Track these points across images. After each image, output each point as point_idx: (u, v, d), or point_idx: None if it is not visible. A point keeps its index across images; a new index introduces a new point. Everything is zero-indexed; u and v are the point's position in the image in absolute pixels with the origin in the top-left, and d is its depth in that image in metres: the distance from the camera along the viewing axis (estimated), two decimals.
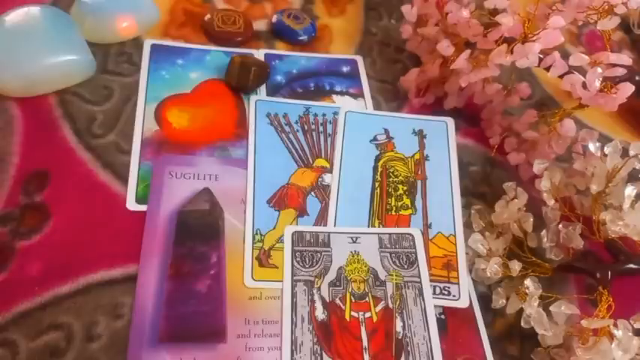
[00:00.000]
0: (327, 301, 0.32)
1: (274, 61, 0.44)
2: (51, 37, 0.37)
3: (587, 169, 0.34)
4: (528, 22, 0.34)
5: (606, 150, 0.34)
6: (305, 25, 0.47)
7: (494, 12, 0.36)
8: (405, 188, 0.38)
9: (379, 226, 0.36)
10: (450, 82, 0.42)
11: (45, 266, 0.31)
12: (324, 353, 0.30)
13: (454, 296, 0.34)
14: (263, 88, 0.42)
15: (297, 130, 0.40)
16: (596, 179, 0.34)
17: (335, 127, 0.41)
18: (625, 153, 0.34)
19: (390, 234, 0.36)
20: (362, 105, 0.43)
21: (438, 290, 0.34)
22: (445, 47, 0.39)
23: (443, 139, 0.42)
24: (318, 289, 0.33)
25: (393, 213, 0.37)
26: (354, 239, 0.35)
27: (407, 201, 0.38)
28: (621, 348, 0.29)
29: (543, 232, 0.36)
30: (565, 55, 0.35)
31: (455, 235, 0.37)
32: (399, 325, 0.32)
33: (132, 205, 0.34)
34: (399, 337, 0.32)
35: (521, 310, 0.33)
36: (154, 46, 0.42)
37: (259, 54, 0.44)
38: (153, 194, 0.34)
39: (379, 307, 0.33)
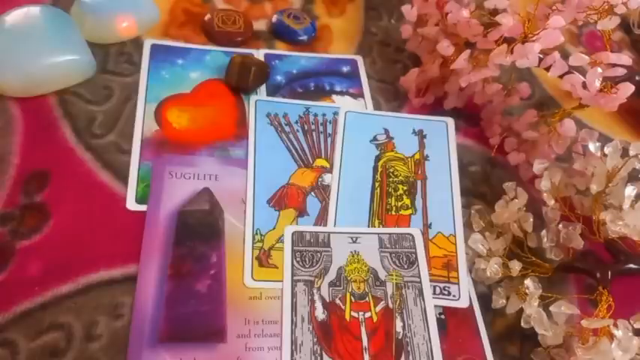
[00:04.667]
0: (327, 301, 0.32)
1: (274, 61, 0.44)
2: (51, 37, 0.37)
3: (587, 169, 0.34)
4: (528, 22, 0.34)
5: (606, 150, 0.34)
6: (305, 25, 0.47)
7: (495, 12, 0.36)
8: (405, 188, 0.38)
9: (379, 226, 0.36)
10: (450, 82, 0.42)
11: (45, 266, 0.31)
12: (324, 353, 0.30)
13: (454, 296, 0.34)
14: (263, 88, 0.42)
15: (297, 130, 0.40)
16: (596, 179, 0.34)
17: (335, 127, 0.41)
18: (625, 153, 0.34)
19: (390, 234, 0.36)
20: (362, 105, 0.43)
21: (438, 290, 0.34)
22: (445, 47, 0.39)
23: (443, 139, 0.42)
24: (318, 289, 0.33)
25: (393, 213, 0.37)
26: (354, 239, 0.35)
27: (407, 201, 0.38)
28: (621, 348, 0.29)
29: (543, 232, 0.36)
30: (565, 55, 0.35)
31: (455, 235, 0.37)
32: (399, 325, 0.32)
33: (132, 205, 0.34)
34: (399, 337, 0.32)
35: (521, 310, 0.33)
36: (154, 46, 0.42)
37: (259, 54, 0.44)
38: (153, 194, 0.34)
39: (379, 307, 0.33)
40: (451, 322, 0.34)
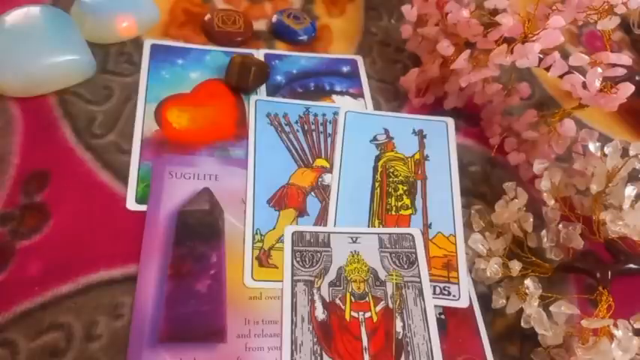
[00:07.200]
0: (327, 301, 0.32)
1: (274, 61, 0.44)
2: (51, 37, 0.37)
3: (587, 169, 0.34)
4: (528, 22, 0.34)
5: (606, 150, 0.34)
6: (305, 25, 0.47)
7: (495, 12, 0.36)
8: (405, 188, 0.38)
9: (379, 226, 0.36)
10: (450, 82, 0.42)
11: (45, 266, 0.31)
12: (324, 353, 0.30)
13: (454, 296, 0.34)
14: (263, 88, 0.42)
15: (297, 130, 0.40)
16: (596, 179, 0.34)
17: (335, 127, 0.41)
18: (625, 153, 0.34)
19: (390, 234, 0.36)
20: (362, 105, 0.43)
21: (438, 290, 0.34)
22: (445, 47, 0.39)
23: (443, 139, 0.42)
24: (318, 289, 0.33)
25: (393, 213, 0.37)
26: (354, 239, 0.35)
27: (407, 201, 0.38)
28: (621, 348, 0.29)
29: (543, 232, 0.36)
30: (565, 55, 0.35)
31: (455, 235, 0.37)
32: (399, 325, 0.32)
33: (132, 205, 0.34)
34: (399, 337, 0.32)
35: (521, 310, 0.33)
36: (153, 46, 0.42)
37: (259, 54, 0.44)
38: (153, 194, 0.34)
39: (379, 307, 0.33)
40: (451, 322, 0.34)
